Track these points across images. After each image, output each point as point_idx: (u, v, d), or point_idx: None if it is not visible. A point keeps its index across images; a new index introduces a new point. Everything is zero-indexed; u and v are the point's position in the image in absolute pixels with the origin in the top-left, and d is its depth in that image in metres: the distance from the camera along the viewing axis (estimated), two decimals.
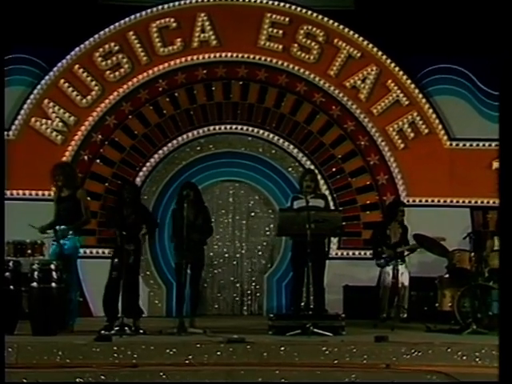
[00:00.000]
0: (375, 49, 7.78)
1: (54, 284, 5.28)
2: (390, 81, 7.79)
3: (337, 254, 7.59)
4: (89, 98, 7.57)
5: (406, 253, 6.56)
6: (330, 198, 7.58)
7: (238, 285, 7.77)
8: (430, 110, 7.81)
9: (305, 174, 6.10)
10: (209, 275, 7.68)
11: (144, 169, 7.62)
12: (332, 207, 7.42)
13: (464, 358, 4.49)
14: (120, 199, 5.71)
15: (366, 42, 7.79)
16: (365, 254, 7.53)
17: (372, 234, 6.88)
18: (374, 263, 6.72)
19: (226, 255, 7.80)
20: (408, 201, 7.56)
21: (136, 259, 5.57)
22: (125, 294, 5.43)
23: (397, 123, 7.80)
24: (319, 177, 7.61)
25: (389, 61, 7.83)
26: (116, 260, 5.47)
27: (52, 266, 5.33)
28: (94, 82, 7.58)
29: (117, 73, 7.63)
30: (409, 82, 7.83)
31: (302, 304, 5.83)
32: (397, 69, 7.84)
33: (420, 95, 7.81)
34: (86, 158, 7.50)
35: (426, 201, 7.71)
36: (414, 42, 7.47)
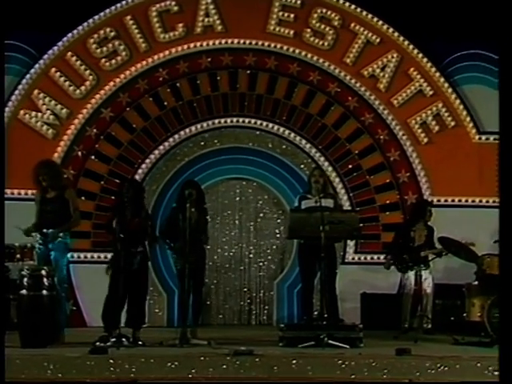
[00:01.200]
0: (396, 33, 7.79)
1: (44, 291, 5.28)
2: (412, 69, 7.78)
3: (353, 258, 7.63)
4: (83, 88, 7.58)
5: (430, 257, 6.50)
6: (346, 197, 7.68)
7: (245, 292, 7.82)
8: (457, 101, 7.78)
9: (313, 170, 6.15)
10: (214, 281, 7.71)
11: (143, 166, 7.64)
12: (348, 207, 7.49)
13: (495, 373, 4.44)
14: (120, 199, 5.71)
15: (385, 27, 7.79)
16: (384, 258, 7.41)
17: (394, 235, 6.83)
18: (394, 269, 6.68)
19: (233, 260, 7.84)
20: (432, 200, 7.51)
21: (143, 264, 5.56)
22: (132, 302, 5.47)
23: (420, 115, 7.78)
24: (334, 174, 7.68)
25: (411, 47, 7.80)
26: (113, 265, 5.50)
27: (43, 272, 5.35)
28: (88, 71, 7.59)
29: (113, 61, 7.64)
30: (433, 69, 7.80)
31: (316, 313, 5.89)
32: (420, 55, 7.80)
33: (445, 84, 7.78)
34: (79, 154, 7.52)
35: (453, 200, 7.67)
36: (439, 26, 7.41)
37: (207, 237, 5.99)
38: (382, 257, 7.51)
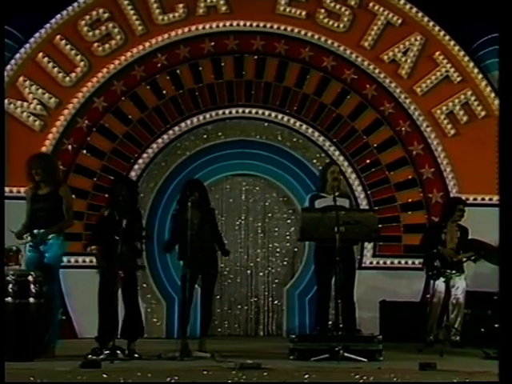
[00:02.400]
0: (420, 14, 7.77)
1: (31, 299, 5.25)
2: (437, 53, 7.76)
3: (372, 262, 7.62)
4: (73, 75, 7.57)
5: (464, 262, 6.44)
6: (363, 195, 7.68)
7: (252, 299, 7.82)
8: (488, 88, 7.73)
9: (328, 166, 6.08)
10: (218, 288, 7.60)
11: (140, 161, 7.63)
12: (365, 206, 7.49)
13: None
14: (111, 198, 5.72)
15: (408, 6, 7.77)
16: (406, 262, 7.52)
17: (422, 237, 6.76)
18: (417, 274, 6.70)
19: (238, 264, 7.84)
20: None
21: (132, 270, 5.62)
22: (127, 311, 5.50)
23: (446, 104, 7.75)
24: (350, 170, 7.69)
25: (436, 28, 7.75)
26: (120, 272, 5.49)
27: (30, 278, 5.31)
28: (79, 57, 7.57)
29: (106, 45, 7.63)
30: (461, 53, 7.76)
31: (330, 323, 5.87)
32: (447, 38, 7.76)
33: (475, 70, 7.74)
34: (69, 147, 7.51)
35: (482, 199, 7.63)
36: (468, 4, 7.35)
37: (223, 243, 5.99)
38: (403, 261, 7.54)
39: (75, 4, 7.54)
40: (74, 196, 6.88)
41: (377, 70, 7.71)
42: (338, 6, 7.68)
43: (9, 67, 7.44)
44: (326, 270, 5.69)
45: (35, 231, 5.49)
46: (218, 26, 7.64)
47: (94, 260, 7.10)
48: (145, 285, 7.44)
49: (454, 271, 6.32)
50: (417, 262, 7.14)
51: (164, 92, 7.64)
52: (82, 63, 7.56)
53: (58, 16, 7.52)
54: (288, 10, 7.67)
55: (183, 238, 5.62)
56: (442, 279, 6.34)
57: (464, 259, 6.43)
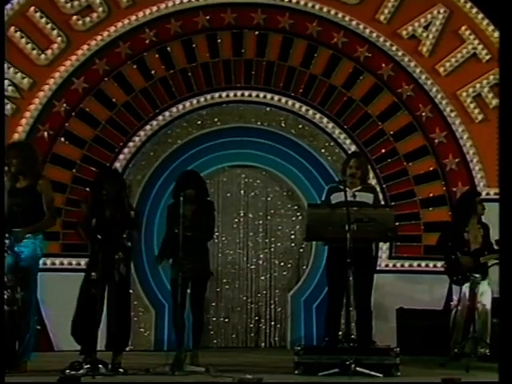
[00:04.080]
0: None
1: (4, 306, 5.25)
2: (463, 27, 7.76)
3: (388, 265, 7.61)
4: (49, 52, 7.55)
5: (490, 264, 6.41)
6: (378, 189, 7.52)
7: (252, 307, 7.82)
8: None
9: (349, 159, 6.14)
10: (213, 294, 7.69)
11: (125, 150, 7.63)
12: (381, 202, 7.34)
13: None
14: (96, 193, 5.74)
15: None
16: (426, 265, 7.49)
17: (439, 238, 6.71)
18: (439, 278, 6.70)
19: (237, 267, 7.86)
20: (488, 193, 7.48)
21: (126, 273, 5.60)
22: (112, 319, 5.47)
23: (473, 86, 7.74)
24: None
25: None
26: (93, 274, 5.47)
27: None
28: (55, 31, 7.56)
29: (87, 19, 7.63)
30: (490, 28, 7.72)
31: (340, 333, 5.87)
32: (474, 10, 7.74)
33: None
34: (45, 134, 7.49)
35: None
36: None
37: (210, 234, 5.95)
38: (423, 263, 7.52)
39: None
40: None
41: (394, 47, 7.71)
42: None
43: None
44: (340, 274, 5.64)
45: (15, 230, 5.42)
46: None
47: (74, 262, 7.19)
48: (131, 291, 7.26)
49: (478, 275, 6.28)
50: (439, 264, 7.15)
51: (153, 72, 7.64)
52: (59, 39, 7.53)
53: None
54: None
55: (174, 235, 5.66)
56: (467, 284, 6.31)
57: (491, 262, 6.37)
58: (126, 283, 5.62)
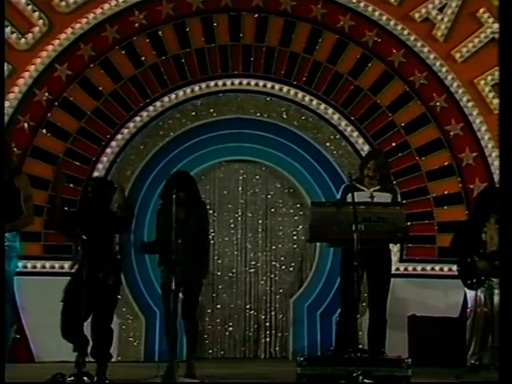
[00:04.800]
0: None
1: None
2: (482, 10, 7.74)
3: (398, 269, 7.52)
4: (29, 36, 7.50)
5: None
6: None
7: (251, 314, 7.79)
8: None
9: (367, 159, 6.18)
10: (208, 300, 7.67)
11: (113, 143, 7.59)
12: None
13: None
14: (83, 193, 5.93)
15: None
16: (441, 269, 7.48)
17: (453, 239, 6.68)
18: (455, 283, 6.60)
19: (234, 270, 7.82)
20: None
21: (116, 279, 5.73)
22: (97, 327, 5.55)
23: (492, 74, 7.72)
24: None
25: None
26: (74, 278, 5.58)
27: None
28: (37, 13, 7.53)
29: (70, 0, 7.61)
30: None
31: (360, 346, 5.86)
32: None
33: None
34: (25, 125, 7.46)
35: None
36: None
37: (203, 249, 6.05)
38: (437, 267, 7.49)
39: None
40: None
41: (405, 31, 7.69)
42: None
43: None
44: (353, 278, 5.59)
45: None
46: None
47: (57, 266, 7.17)
48: (119, 296, 7.26)
49: (494, 280, 6.27)
50: (454, 268, 7.00)
51: (143, 58, 7.62)
52: (40, 21, 7.50)
53: None
54: None
55: (165, 239, 5.73)
56: (483, 289, 6.28)
57: None
58: (114, 291, 5.73)
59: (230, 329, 7.72)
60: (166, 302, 5.76)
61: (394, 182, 7.52)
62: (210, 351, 7.63)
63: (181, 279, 5.73)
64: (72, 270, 5.87)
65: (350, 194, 5.78)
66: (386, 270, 5.86)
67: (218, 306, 7.72)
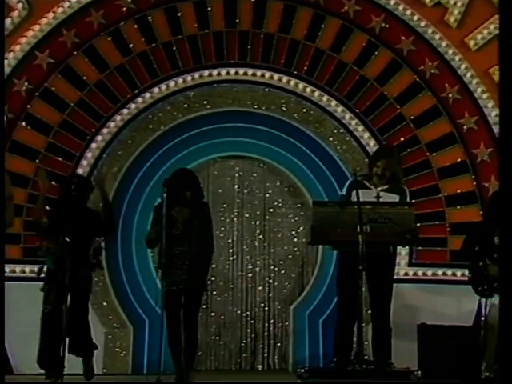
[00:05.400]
0: None
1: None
2: None
3: (407, 273, 7.56)
4: (8, 21, 7.52)
5: None
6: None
7: (247, 322, 7.80)
8: None
9: (377, 157, 6.15)
10: (202, 307, 7.43)
11: (98, 138, 7.59)
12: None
13: None
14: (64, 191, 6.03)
15: None
16: (453, 274, 7.45)
17: (465, 240, 6.62)
18: (468, 289, 6.43)
19: (230, 275, 7.84)
20: None
21: (85, 288, 5.90)
22: (77, 336, 5.77)
23: None
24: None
25: None
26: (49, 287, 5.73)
27: None
28: None
29: None
30: None
31: (353, 353, 5.84)
32: None
33: None
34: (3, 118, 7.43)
35: None
36: None
37: (210, 248, 6.13)
38: (449, 272, 7.43)
39: None
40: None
41: (415, 17, 7.67)
42: None
43: None
44: (353, 283, 5.63)
45: None
46: None
47: (36, 270, 7.13)
48: (105, 303, 7.41)
49: None
50: (468, 272, 6.99)
51: (131, 46, 7.61)
52: (19, 5, 7.53)
53: None
54: None
55: (164, 240, 5.78)
56: (496, 297, 6.19)
57: None
58: (85, 299, 5.96)
59: (225, 339, 7.72)
60: (169, 310, 5.83)
61: (404, 181, 7.56)
62: (204, 363, 7.62)
63: (183, 286, 5.83)
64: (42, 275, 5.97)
65: (354, 192, 5.78)
66: (388, 274, 5.82)
67: (212, 314, 7.74)
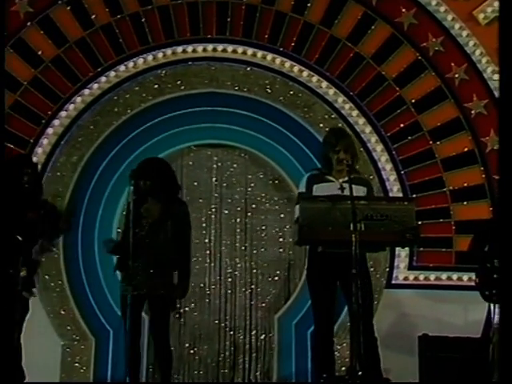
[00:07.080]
0: None
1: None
2: None
3: (407, 278, 7.61)
4: None
5: None
6: (393, 176, 7.72)
7: (226, 333, 7.83)
8: None
9: (335, 139, 6.12)
10: (176, 316, 7.63)
11: (55, 122, 7.62)
12: (397, 194, 7.56)
13: None
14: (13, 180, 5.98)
15: None
16: (459, 278, 7.48)
17: (472, 240, 6.74)
18: (476, 296, 6.51)
19: (206, 280, 7.84)
20: None
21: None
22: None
23: None
24: (374, 139, 7.72)
25: None
26: None
27: None
28: None
29: None
30: None
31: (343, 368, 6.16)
32: None
33: None
34: None
35: None
36: None
37: (185, 255, 6.16)
38: (454, 276, 7.46)
39: None
40: None
41: None
42: None
43: None
44: (327, 289, 5.74)
45: None
46: None
47: None
48: (63, 311, 7.43)
49: None
50: (475, 276, 7.05)
51: (93, 17, 7.64)
52: None
53: None
54: None
55: (123, 239, 5.94)
56: None
57: None
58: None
59: (200, 352, 7.72)
60: (125, 318, 5.85)
61: (402, 172, 7.68)
62: (176, 377, 7.58)
63: (145, 291, 5.85)
64: None
65: (316, 186, 5.89)
66: (366, 276, 5.79)
67: (186, 325, 7.73)
